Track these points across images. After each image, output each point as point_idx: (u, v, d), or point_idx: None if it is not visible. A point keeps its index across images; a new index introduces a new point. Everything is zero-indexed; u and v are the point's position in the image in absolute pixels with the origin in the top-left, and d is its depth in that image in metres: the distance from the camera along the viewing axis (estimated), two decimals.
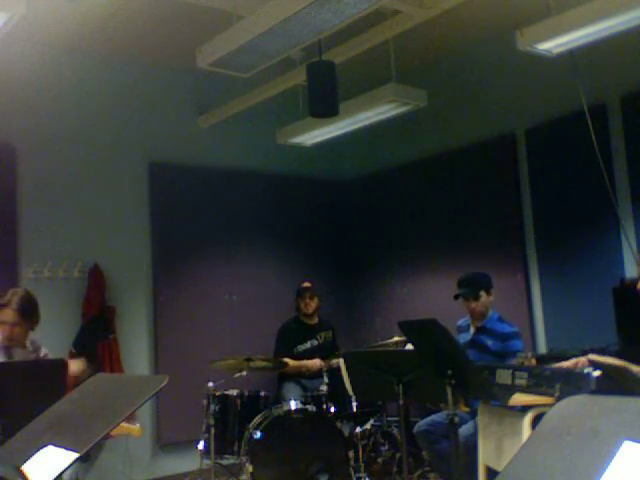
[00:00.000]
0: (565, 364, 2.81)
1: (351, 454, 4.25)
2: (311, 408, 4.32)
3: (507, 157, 5.40)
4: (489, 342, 4.15)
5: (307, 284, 5.31)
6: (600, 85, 4.71)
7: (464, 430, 3.65)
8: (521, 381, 2.84)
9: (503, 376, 2.94)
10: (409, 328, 3.11)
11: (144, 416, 5.21)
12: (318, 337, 5.31)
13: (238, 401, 4.42)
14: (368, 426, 4.63)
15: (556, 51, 4.05)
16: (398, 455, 4.68)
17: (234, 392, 4.47)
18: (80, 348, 4.95)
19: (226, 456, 4.36)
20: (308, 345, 5.24)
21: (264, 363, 4.65)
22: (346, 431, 4.48)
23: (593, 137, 4.40)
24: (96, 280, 5.23)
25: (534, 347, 5.04)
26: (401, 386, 3.17)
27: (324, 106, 4.19)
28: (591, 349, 2.73)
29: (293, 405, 4.28)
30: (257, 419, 4.25)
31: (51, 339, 3.97)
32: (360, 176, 6.68)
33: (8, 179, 5.02)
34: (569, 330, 4.87)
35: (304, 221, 6.44)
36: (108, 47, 5.34)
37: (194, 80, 5.76)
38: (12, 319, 3.50)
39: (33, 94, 5.18)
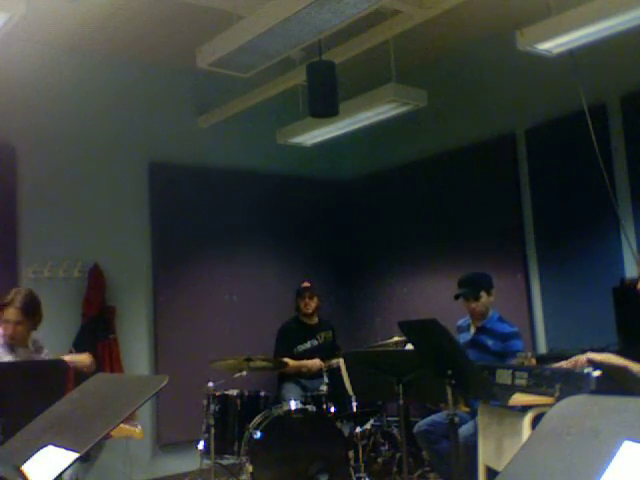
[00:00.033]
0: (564, 363, 2.81)
1: (351, 454, 4.25)
2: (311, 408, 4.32)
3: (507, 157, 5.40)
4: (489, 342, 4.15)
5: (307, 284, 5.31)
6: (600, 85, 4.71)
7: (464, 430, 3.65)
8: (521, 381, 2.84)
9: (503, 376, 2.94)
10: (409, 328, 3.11)
11: (144, 416, 5.21)
12: (318, 337, 5.31)
13: (238, 401, 4.42)
14: (368, 426, 4.63)
15: (556, 51, 4.05)
16: (398, 455, 4.68)
17: (234, 392, 4.47)
18: (80, 348, 4.94)
19: (226, 456, 4.36)
20: (308, 345, 5.24)
21: (264, 363, 4.65)
22: (346, 431, 4.48)
23: (593, 137, 4.40)
24: (96, 280, 5.23)
25: (534, 347, 5.04)
26: (401, 386, 3.17)
27: (324, 106, 4.19)
28: (591, 349, 2.73)
29: (293, 405, 4.28)
30: (257, 419, 4.25)
31: (51, 339, 3.98)
32: (360, 176, 6.68)
33: (8, 179, 5.02)
34: (569, 330, 4.87)
35: (304, 221, 6.44)
36: (108, 47, 5.34)
37: (194, 80, 5.76)
38: (15, 317, 3.53)
39: (33, 94, 5.18)
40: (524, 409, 2.87)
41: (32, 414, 1.89)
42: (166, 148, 5.77)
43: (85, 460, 4.69)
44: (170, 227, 5.69)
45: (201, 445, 4.41)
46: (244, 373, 4.48)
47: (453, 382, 2.81)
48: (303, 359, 5.11)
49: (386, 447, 4.80)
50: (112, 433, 3.21)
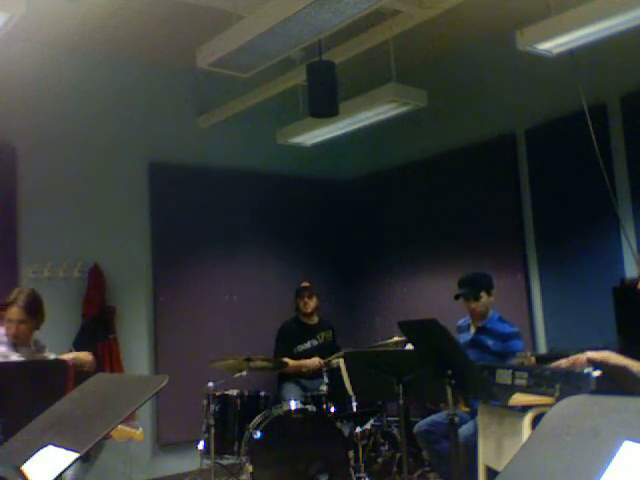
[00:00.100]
0: (563, 362, 2.80)
1: (351, 454, 4.25)
2: (311, 408, 4.32)
3: (507, 157, 5.40)
4: (489, 342, 4.15)
5: (306, 283, 5.31)
6: (600, 85, 4.71)
7: (464, 430, 3.65)
8: (521, 381, 2.84)
9: (503, 376, 2.94)
10: (409, 328, 3.11)
11: (144, 416, 5.21)
12: (318, 337, 5.31)
13: (238, 401, 4.42)
14: (368, 426, 4.63)
15: (556, 51, 4.05)
16: (398, 455, 4.68)
17: (234, 392, 4.47)
18: (80, 348, 4.93)
19: (226, 456, 4.36)
20: (308, 345, 5.24)
21: (264, 363, 4.65)
22: (346, 431, 4.48)
23: (593, 137, 4.39)
24: (96, 280, 5.23)
25: (534, 347, 5.03)
26: (401, 386, 3.17)
27: (324, 106, 4.19)
28: (590, 348, 2.73)
29: (293, 405, 4.28)
30: (257, 419, 4.25)
31: (51, 339, 3.98)
32: (360, 176, 6.68)
33: (8, 179, 5.02)
34: (569, 330, 4.87)
35: (304, 221, 6.44)
36: (108, 47, 5.34)
37: (194, 80, 5.76)
38: (19, 316, 3.54)
39: (33, 94, 5.17)
40: (524, 409, 2.86)
41: (32, 414, 1.89)
42: (166, 148, 5.77)
43: (85, 460, 4.69)
44: (170, 227, 5.69)
45: (201, 445, 4.41)
46: (244, 373, 4.48)
47: (453, 382, 2.81)
48: (303, 359, 5.11)
49: (386, 447, 4.80)
50: (113, 435, 3.22)
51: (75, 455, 1.57)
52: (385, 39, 4.55)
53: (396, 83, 4.80)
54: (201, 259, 5.84)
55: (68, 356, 3.65)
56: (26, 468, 1.61)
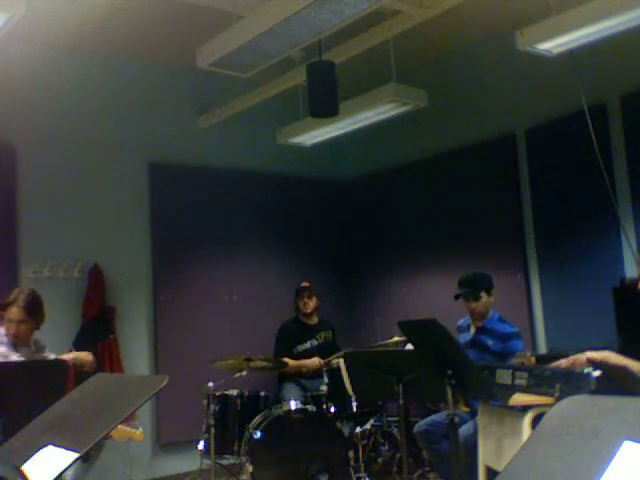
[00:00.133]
0: (563, 362, 2.80)
1: (351, 454, 4.25)
2: (311, 408, 4.32)
3: (507, 157, 5.40)
4: (490, 342, 4.15)
5: (305, 283, 5.32)
6: (600, 85, 4.71)
7: (464, 430, 3.65)
8: (521, 381, 2.84)
9: (503, 376, 2.93)
10: (409, 328, 3.11)
11: (144, 416, 5.21)
12: (318, 337, 5.31)
13: (238, 401, 4.42)
14: (368, 426, 4.63)
15: (556, 51, 4.05)
16: (398, 455, 4.68)
17: (234, 392, 4.47)
18: (80, 348, 4.93)
19: (226, 456, 4.36)
20: (308, 345, 5.24)
21: (264, 363, 4.65)
22: (346, 431, 4.48)
23: (593, 137, 4.40)
24: (96, 280, 5.23)
25: (534, 347, 5.03)
26: (401, 386, 3.17)
27: (324, 106, 4.19)
28: (589, 348, 2.73)
29: (293, 405, 4.28)
30: (257, 419, 4.25)
31: (51, 339, 3.98)
32: (360, 176, 6.68)
33: (8, 179, 5.02)
34: (569, 330, 4.87)
35: (304, 221, 6.44)
36: (108, 47, 5.34)
37: (194, 80, 5.76)
38: (19, 316, 3.54)
39: (33, 94, 5.18)
40: (524, 409, 2.86)
41: (32, 414, 1.89)
42: (166, 148, 5.77)
43: (85, 460, 4.69)
44: (170, 227, 5.69)
45: (201, 445, 4.41)
46: (244, 373, 4.48)
47: (453, 382, 2.82)
48: (303, 359, 5.11)
49: (386, 447, 4.80)
50: (113, 435, 3.22)
51: (75, 455, 1.57)
52: (385, 39, 4.54)
53: (396, 83, 4.80)
54: (201, 259, 5.84)
55: (68, 356, 3.65)
56: (26, 468, 1.61)
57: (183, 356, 5.51)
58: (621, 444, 1.09)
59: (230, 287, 5.94)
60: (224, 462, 4.41)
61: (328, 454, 4.16)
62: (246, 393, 4.48)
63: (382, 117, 5.18)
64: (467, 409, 3.89)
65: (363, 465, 4.44)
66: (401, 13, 4.20)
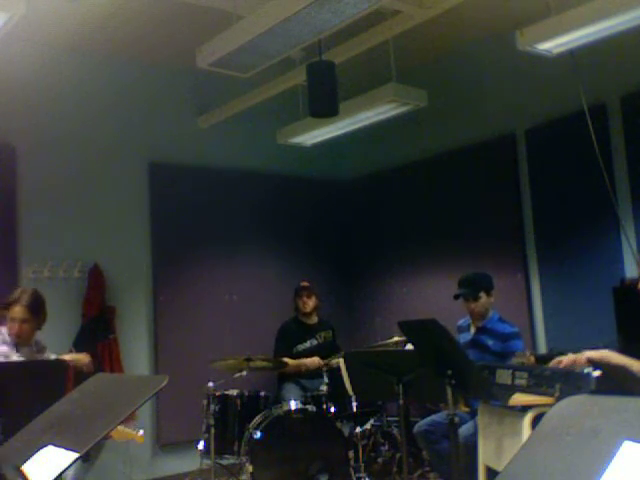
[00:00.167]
0: (563, 360, 2.80)
1: (351, 454, 4.25)
2: (311, 408, 4.32)
3: (507, 157, 5.40)
4: (490, 342, 4.15)
5: (305, 283, 5.32)
6: (600, 85, 4.71)
7: (464, 430, 3.65)
8: (521, 381, 2.84)
9: (503, 376, 2.94)
10: (409, 328, 3.12)
11: (144, 416, 5.21)
12: (318, 337, 5.31)
13: (238, 401, 4.42)
14: (368, 426, 4.63)
15: (556, 51, 4.05)
16: (398, 455, 4.68)
17: (234, 392, 4.47)
18: (80, 348, 4.94)
19: (226, 456, 4.36)
20: (308, 345, 5.24)
21: (264, 363, 4.65)
22: (346, 431, 4.48)
23: (593, 137, 4.40)
24: (96, 280, 5.23)
25: (534, 347, 5.03)
26: (401, 386, 3.17)
27: (324, 106, 4.19)
28: (589, 348, 2.73)
29: (293, 405, 4.28)
30: (257, 419, 4.25)
31: (51, 339, 3.98)
32: (360, 176, 6.68)
33: (8, 179, 5.02)
34: (569, 330, 4.87)
35: (304, 221, 6.44)
36: (108, 47, 5.34)
37: (194, 80, 5.76)
38: (22, 315, 3.56)
39: (33, 94, 5.17)
40: (524, 409, 2.87)
41: (32, 414, 1.89)
42: (166, 148, 5.77)
43: (85, 460, 4.70)
44: (170, 227, 5.69)
45: (201, 445, 4.41)
46: (244, 373, 4.48)
47: (453, 382, 2.82)
48: (303, 359, 5.11)
49: (386, 447, 4.80)
50: (114, 437, 3.22)
51: (75, 455, 1.57)
52: (385, 39, 4.55)
53: (396, 83, 4.80)
54: (201, 259, 5.84)
55: (66, 357, 3.65)
56: (26, 468, 1.61)
57: (183, 356, 5.51)
58: (621, 444, 1.09)
59: (230, 287, 5.94)
60: (224, 462, 4.41)
61: (328, 454, 4.16)
62: (246, 393, 4.48)
63: (382, 117, 5.18)
64: (467, 409, 3.89)
65: (363, 465, 4.44)
66: (401, 13, 4.20)
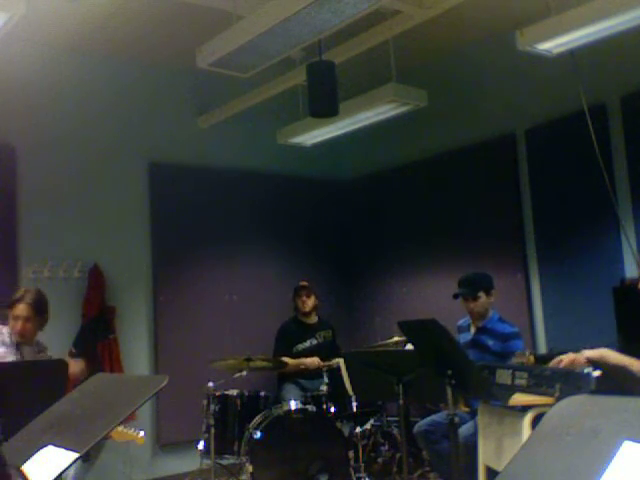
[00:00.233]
0: (563, 360, 2.80)
1: (351, 454, 4.25)
2: (311, 408, 4.32)
3: (507, 157, 5.40)
4: (490, 342, 4.14)
5: (304, 282, 5.33)
6: (600, 85, 4.71)
7: (464, 430, 3.65)
8: (521, 381, 2.84)
9: (503, 376, 2.93)
10: (409, 328, 3.12)
11: (144, 416, 5.21)
12: (317, 336, 5.31)
13: (238, 401, 4.42)
14: (368, 426, 4.63)
15: (556, 51, 4.05)
16: (398, 455, 4.68)
17: (234, 392, 4.47)
18: (80, 348, 4.95)
19: (226, 456, 4.36)
20: (307, 344, 5.24)
21: (264, 363, 4.65)
22: (346, 431, 4.48)
23: (593, 137, 4.40)
24: (96, 280, 5.23)
25: (534, 347, 5.03)
26: (401, 386, 3.17)
27: (324, 106, 4.19)
28: (587, 348, 2.73)
29: (293, 405, 4.28)
30: (257, 419, 4.25)
31: (51, 339, 3.98)
32: (360, 176, 6.68)
33: (8, 179, 5.02)
34: (569, 330, 4.87)
35: (304, 221, 6.44)
36: (108, 47, 5.34)
37: (194, 80, 5.76)
38: (26, 313, 3.57)
39: (33, 94, 5.17)
40: (524, 409, 2.87)
41: (32, 414, 1.89)
42: (166, 148, 5.77)
43: (85, 460, 4.70)
44: (170, 227, 5.69)
45: (201, 445, 4.41)
46: (244, 373, 4.49)
47: (453, 382, 2.82)
48: (302, 358, 5.11)
49: (386, 447, 4.80)
50: (115, 437, 3.22)
51: (75, 455, 1.57)
52: (385, 39, 4.55)
53: (396, 83, 4.80)
54: (201, 259, 5.84)
55: None
56: (26, 468, 1.61)
57: (183, 356, 5.51)
58: (621, 444, 1.09)
59: (230, 287, 5.94)
60: (224, 462, 4.41)
61: (328, 454, 4.16)
62: (246, 393, 4.48)
63: (382, 117, 5.18)
64: (467, 409, 3.89)
65: (363, 465, 4.45)
66: (401, 13, 4.20)
